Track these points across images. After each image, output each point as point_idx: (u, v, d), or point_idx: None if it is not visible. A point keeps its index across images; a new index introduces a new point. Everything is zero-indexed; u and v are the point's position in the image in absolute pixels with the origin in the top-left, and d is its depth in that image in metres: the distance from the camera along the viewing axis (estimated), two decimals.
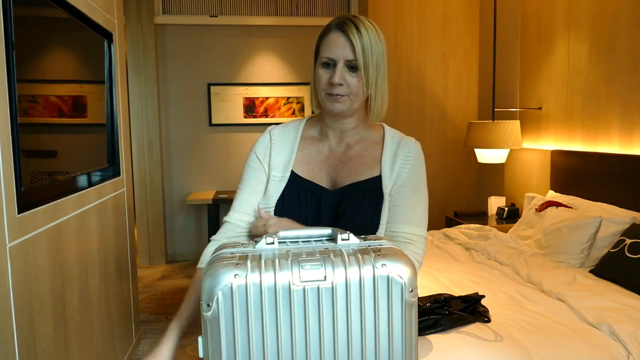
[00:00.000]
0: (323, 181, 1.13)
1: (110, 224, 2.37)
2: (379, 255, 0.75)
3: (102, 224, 2.24)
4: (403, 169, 1.12)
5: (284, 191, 1.11)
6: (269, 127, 1.20)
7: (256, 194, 1.14)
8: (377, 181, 1.12)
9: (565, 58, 3.31)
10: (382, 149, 1.15)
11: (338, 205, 1.09)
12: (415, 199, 1.11)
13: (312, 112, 1.21)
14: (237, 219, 1.13)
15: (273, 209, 1.10)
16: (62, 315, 1.76)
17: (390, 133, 1.18)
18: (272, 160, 1.15)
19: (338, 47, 1.04)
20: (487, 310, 1.84)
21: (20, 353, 1.43)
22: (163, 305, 3.54)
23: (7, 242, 1.37)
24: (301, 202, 1.10)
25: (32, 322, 1.51)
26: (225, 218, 1.15)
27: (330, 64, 1.06)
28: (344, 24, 1.05)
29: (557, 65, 3.40)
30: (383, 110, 1.11)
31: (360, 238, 0.83)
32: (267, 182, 1.14)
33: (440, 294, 1.84)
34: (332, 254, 0.75)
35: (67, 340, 1.80)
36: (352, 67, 1.04)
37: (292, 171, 1.13)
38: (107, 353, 2.26)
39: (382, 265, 0.73)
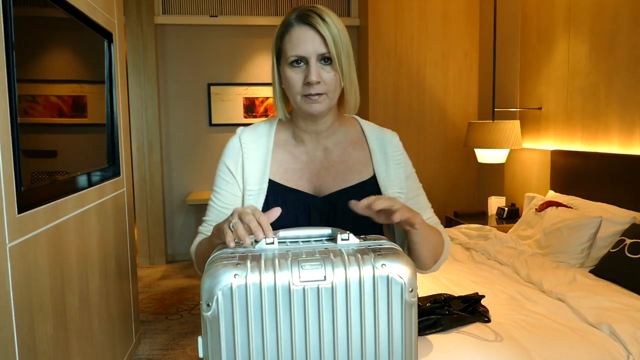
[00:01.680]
0: (306, 189, 1.05)
1: (110, 224, 2.37)
2: (378, 255, 0.75)
3: (102, 224, 2.24)
4: (398, 167, 1.10)
5: (266, 203, 1.03)
6: (238, 131, 1.10)
7: (230, 209, 1.06)
8: (370, 184, 1.07)
9: (565, 58, 3.31)
10: (369, 150, 1.09)
11: (330, 212, 1.03)
12: (418, 184, 1.15)
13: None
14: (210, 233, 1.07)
15: None
16: (62, 315, 1.76)
17: (369, 129, 1.12)
18: (246, 172, 1.05)
19: (307, 42, 0.94)
20: (487, 310, 1.84)
21: (20, 353, 1.43)
22: (163, 305, 3.54)
23: (7, 242, 1.37)
24: (289, 211, 1.02)
25: (32, 322, 1.51)
26: (201, 229, 1.09)
27: (301, 62, 0.96)
28: (306, 16, 0.95)
29: (557, 65, 3.40)
30: (357, 103, 1.04)
31: (360, 238, 0.83)
32: (243, 196, 1.05)
33: (440, 294, 1.84)
34: (331, 254, 0.75)
35: (67, 340, 1.80)
36: (325, 60, 0.96)
37: (270, 180, 1.04)
38: (107, 353, 2.26)
39: (382, 265, 0.73)
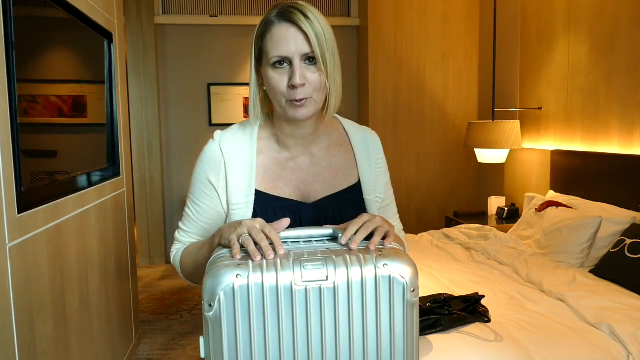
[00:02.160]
0: (294, 196, 1.02)
1: (110, 224, 2.37)
2: (380, 255, 0.75)
3: (102, 224, 2.24)
4: (379, 170, 1.09)
5: (254, 215, 0.99)
6: (216, 136, 1.01)
7: (211, 224, 1.02)
8: (356, 189, 1.05)
9: (565, 58, 3.31)
10: (353, 152, 1.07)
11: (320, 218, 1.01)
12: (392, 191, 1.15)
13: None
14: (189, 242, 1.05)
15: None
16: (62, 315, 1.76)
17: (352, 129, 1.09)
18: (230, 185, 0.98)
19: (290, 42, 0.88)
20: (487, 310, 1.84)
21: (20, 353, 1.43)
22: (163, 305, 3.54)
23: (7, 242, 1.37)
24: (279, 216, 0.95)
25: (32, 322, 1.51)
26: (179, 237, 1.06)
27: (284, 63, 0.90)
28: (288, 13, 0.89)
29: (557, 65, 3.40)
30: (338, 104, 0.98)
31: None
32: (228, 210, 1.00)
33: (440, 294, 1.84)
34: (333, 254, 0.75)
35: (67, 340, 1.80)
36: (309, 60, 0.90)
37: (256, 190, 0.99)
38: (107, 353, 2.25)
39: (384, 265, 0.73)
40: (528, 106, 3.75)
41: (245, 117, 4.65)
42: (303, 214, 1.00)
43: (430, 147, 4.61)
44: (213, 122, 4.61)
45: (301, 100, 0.90)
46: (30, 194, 1.54)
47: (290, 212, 0.99)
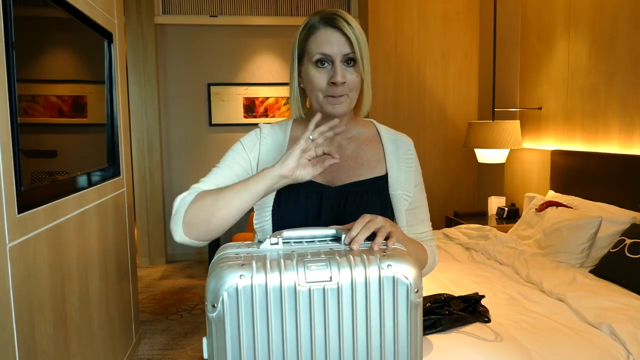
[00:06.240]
0: (319, 180, 1.08)
1: (110, 224, 2.37)
2: (384, 255, 0.75)
3: (102, 224, 2.24)
4: (409, 170, 1.11)
5: (278, 191, 1.02)
6: (259, 125, 1.14)
7: (235, 176, 1.05)
8: (382, 181, 1.09)
9: (565, 58, 3.31)
10: (383, 149, 1.12)
11: (341, 203, 1.05)
12: (423, 195, 1.16)
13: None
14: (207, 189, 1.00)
15: (270, 206, 1.05)
16: (62, 315, 1.76)
17: (384, 130, 1.16)
18: (261, 155, 1.08)
19: (333, 43, 0.98)
20: (487, 310, 1.84)
21: (20, 353, 1.43)
22: (163, 305, 3.54)
23: (7, 242, 1.37)
24: (301, 198, 1.04)
25: (32, 322, 1.51)
26: (195, 185, 1.01)
27: (326, 62, 1.00)
28: (332, 20, 1.00)
29: (557, 65, 3.40)
30: (370, 103, 1.08)
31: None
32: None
33: (440, 294, 1.84)
34: (337, 255, 0.75)
35: (67, 340, 1.80)
36: (348, 62, 1.00)
37: None
38: (107, 353, 2.25)
39: (388, 265, 0.73)
40: (528, 106, 3.75)
41: (245, 117, 4.65)
42: (325, 196, 1.05)
43: (430, 147, 4.61)
44: (213, 122, 4.61)
45: (339, 96, 0.99)
46: (30, 194, 1.54)
47: (313, 192, 1.05)
